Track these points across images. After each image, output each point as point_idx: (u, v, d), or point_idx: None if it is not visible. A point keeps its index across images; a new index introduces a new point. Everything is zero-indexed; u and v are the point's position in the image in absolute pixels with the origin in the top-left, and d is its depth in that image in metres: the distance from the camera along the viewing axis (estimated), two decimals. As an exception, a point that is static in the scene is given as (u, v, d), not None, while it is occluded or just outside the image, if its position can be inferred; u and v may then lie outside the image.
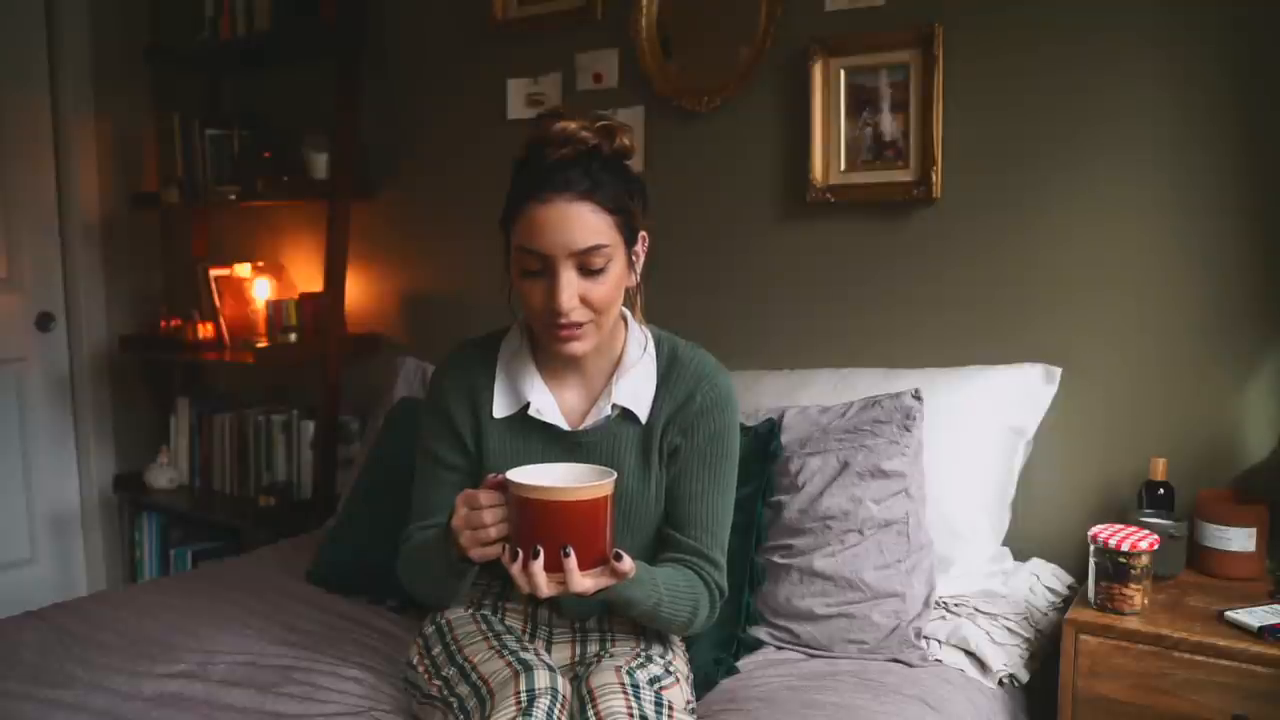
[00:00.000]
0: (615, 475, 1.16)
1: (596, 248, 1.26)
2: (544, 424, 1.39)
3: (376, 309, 2.80)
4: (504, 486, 1.17)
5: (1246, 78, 1.67)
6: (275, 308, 2.76)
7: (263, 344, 2.72)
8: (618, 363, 1.41)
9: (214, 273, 2.87)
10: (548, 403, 1.39)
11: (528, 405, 1.38)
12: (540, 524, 1.12)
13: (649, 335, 1.43)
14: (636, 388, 1.39)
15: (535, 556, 1.12)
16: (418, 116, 2.65)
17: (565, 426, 1.39)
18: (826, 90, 2.01)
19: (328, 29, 2.60)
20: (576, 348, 1.31)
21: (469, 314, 2.59)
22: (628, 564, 1.16)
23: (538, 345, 1.41)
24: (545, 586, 1.13)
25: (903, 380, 1.81)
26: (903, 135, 1.94)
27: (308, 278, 2.88)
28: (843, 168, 2.02)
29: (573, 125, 1.26)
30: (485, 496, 1.21)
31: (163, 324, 3.01)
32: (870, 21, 1.96)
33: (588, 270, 1.27)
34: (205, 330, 2.90)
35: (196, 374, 3.27)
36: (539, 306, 1.29)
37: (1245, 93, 1.68)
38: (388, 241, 2.75)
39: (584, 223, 1.25)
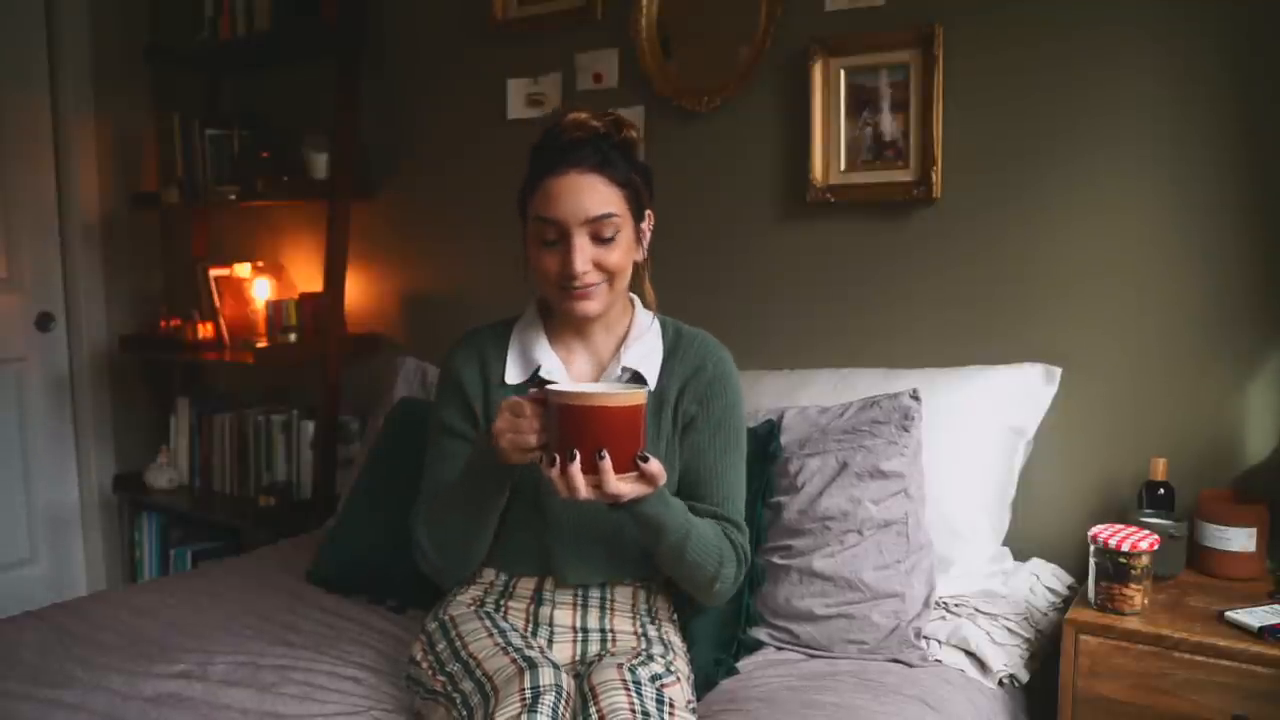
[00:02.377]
0: (647, 388, 1.24)
1: (607, 216, 1.36)
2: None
3: (376, 309, 2.80)
4: (543, 401, 1.22)
5: (1246, 71, 1.67)
6: (275, 308, 2.76)
7: (263, 344, 2.71)
8: (625, 336, 1.49)
9: (214, 273, 2.86)
10: (557, 365, 1.47)
11: (537, 370, 1.46)
12: (580, 428, 1.18)
13: (654, 315, 1.53)
14: (644, 355, 1.47)
15: (572, 459, 1.17)
16: (418, 116, 2.65)
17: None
18: (826, 90, 2.01)
19: (328, 29, 2.60)
20: (589, 306, 1.40)
21: (469, 314, 2.58)
22: (655, 465, 1.21)
23: (550, 320, 1.50)
24: (583, 488, 1.18)
25: (903, 380, 1.81)
26: (903, 135, 1.94)
27: (308, 278, 2.88)
28: (843, 168, 2.02)
29: (584, 115, 1.38)
30: (529, 405, 1.25)
31: (163, 324, 3.01)
32: (870, 21, 1.96)
33: (599, 238, 1.37)
34: (205, 330, 2.90)
35: (196, 374, 3.27)
36: (554, 272, 1.38)
37: (1245, 87, 1.68)
38: (388, 241, 2.75)
39: (596, 192, 1.35)
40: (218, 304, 2.85)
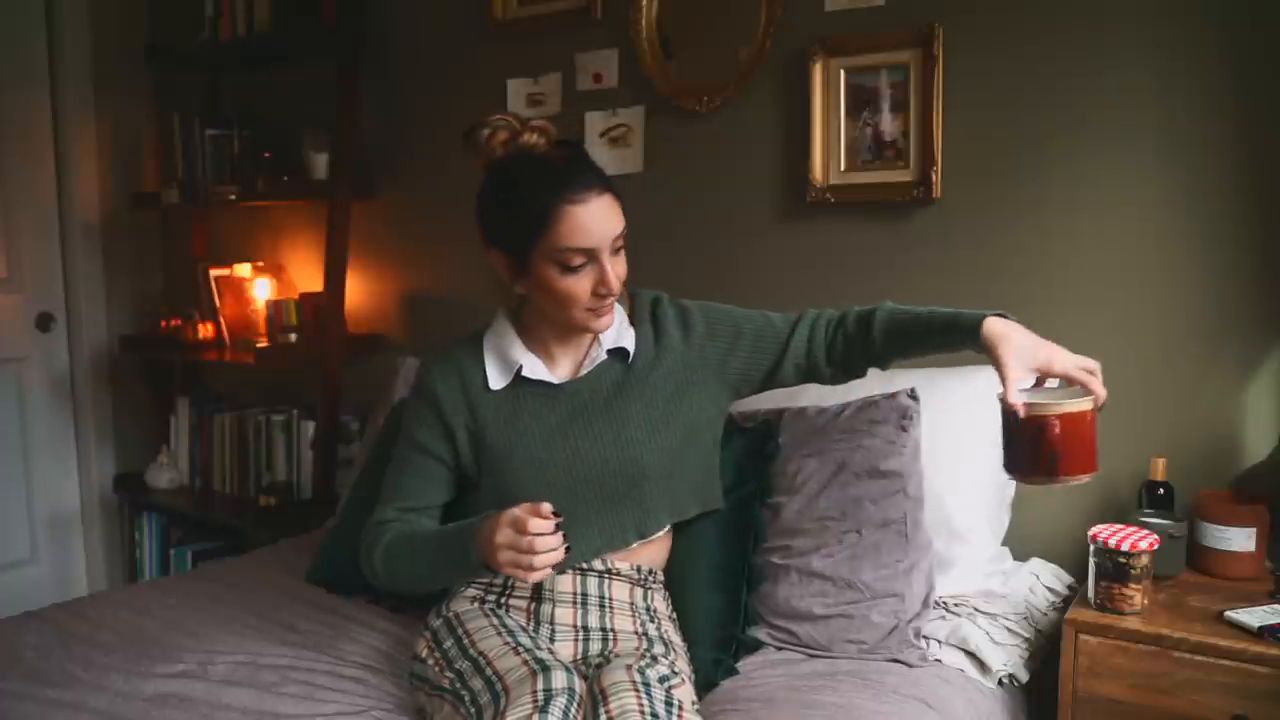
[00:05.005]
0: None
1: (623, 229, 1.40)
2: (537, 386, 1.50)
3: (376, 309, 2.80)
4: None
5: (1248, 70, 1.67)
6: (275, 308, 2.76)
7: (263, 344, 2.72)
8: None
9: (214, 273, 2.87)
10: (537, 364, 1.50)
11: (519, 371, 1.49)
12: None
13: (621, 301, 1.56)
14: (620, 332, 1.53)
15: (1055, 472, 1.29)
16: (418, 116, 2.65)
17: (555, 381, 1.50)
18: (826, 90, 2.01)
19: (328, 29, 2.60)
20: (608, 320, 1.44)
21: (469, 314, 2.58)
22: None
23: (522, 324, 1.53)
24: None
25: (902, 380, 1.81)
26: (903, 135, 1.94)
27: (308, 278, 2.88)
28: (843, 168, 2.02)
29: (533, 137, 1.40)
30: (534, 524, 1.25)
31: (163, 324, 3.01)
32: (870, 21, 1.96)
33: (615, 252, 1.40)
34: (205, 330, 2.90)
35: (196, 374, 3.27)
36: (585, 295, 1.39)
37: (1247, 85, 1.68)
38: (388, 241, 2.75)
39: (615, 211, 1.39)
40: (218, 304, 2.85)
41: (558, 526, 1.27)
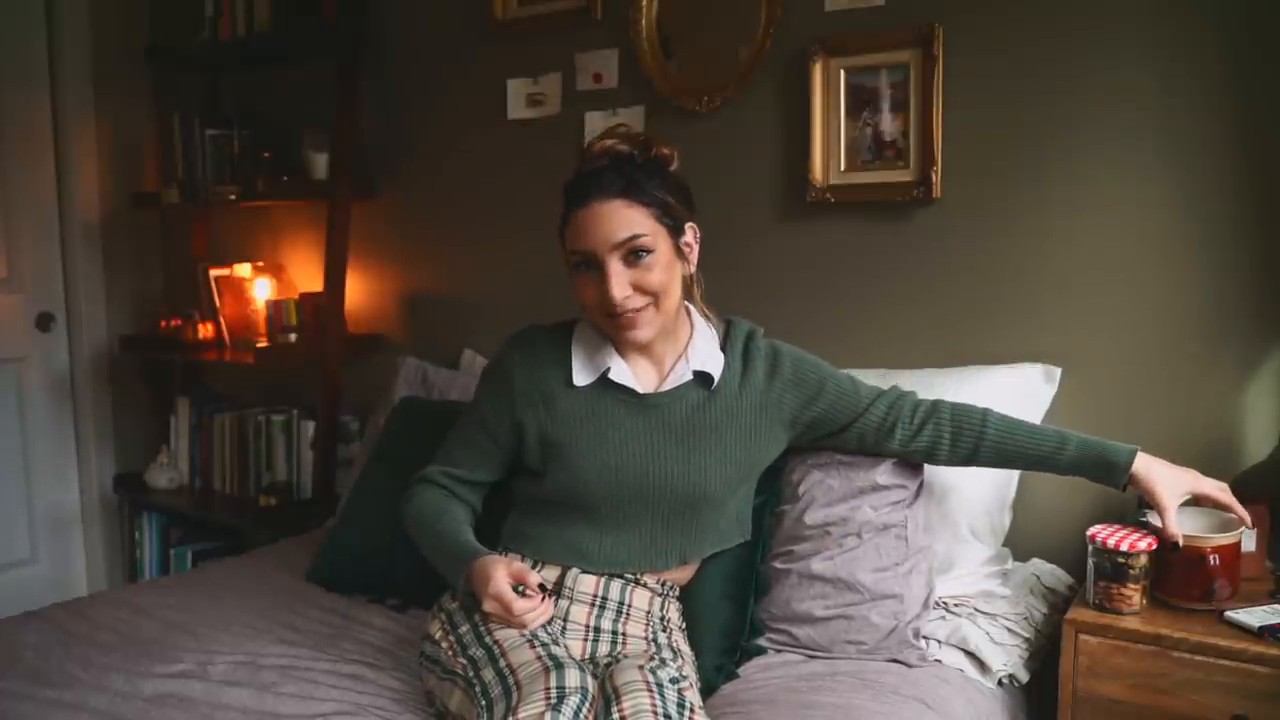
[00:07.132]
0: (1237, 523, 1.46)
1: (634, 236, 1.37)
2: (620, 392, 1.49)
3: (376, 309, 2.80)
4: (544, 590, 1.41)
5: (1248, 70, 1.67)
6: (275, 308, 2.76)
7: (263, 344, 2.72)
8: (687, 345, 1.51)
9: (214, 273, 2.87)
10: (624, 370, 1.49)
11: (606, 372, 1.48)
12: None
13: (712, 324, 1.57)
14: (708, 356, 1.52)
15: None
16: (418, 116, 2.65)
17: (641, 390, 1.49)
18: (826, 90, 2.01)
19: (328, 29, 2.60)
20: (639, 334, 1.42)
21: (469, 314, 2.60)
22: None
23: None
24: None
25: (903, 381, 1.80)
26: (903, 135, 1.94)
27: (308, 278, 2.88)
28: (843, 168, 2.02)
29: (610, 141, 1.40)
30: (519, 606, 1.34)
31: (163, 324, 3.01)
32: (870, 21, 1.96)
33: (633, 260, 1.38)
34: (205, 330, 2.90)
35: (196, 374, 3.27)
36: (594, 301, 1.41)
37: (1247, 85, 1.68)
38: (388, 241, 2.75)
39: (619, 217, 1.37)
40: (218, 304, 2.85)
41: (542, 589, 1.37)
